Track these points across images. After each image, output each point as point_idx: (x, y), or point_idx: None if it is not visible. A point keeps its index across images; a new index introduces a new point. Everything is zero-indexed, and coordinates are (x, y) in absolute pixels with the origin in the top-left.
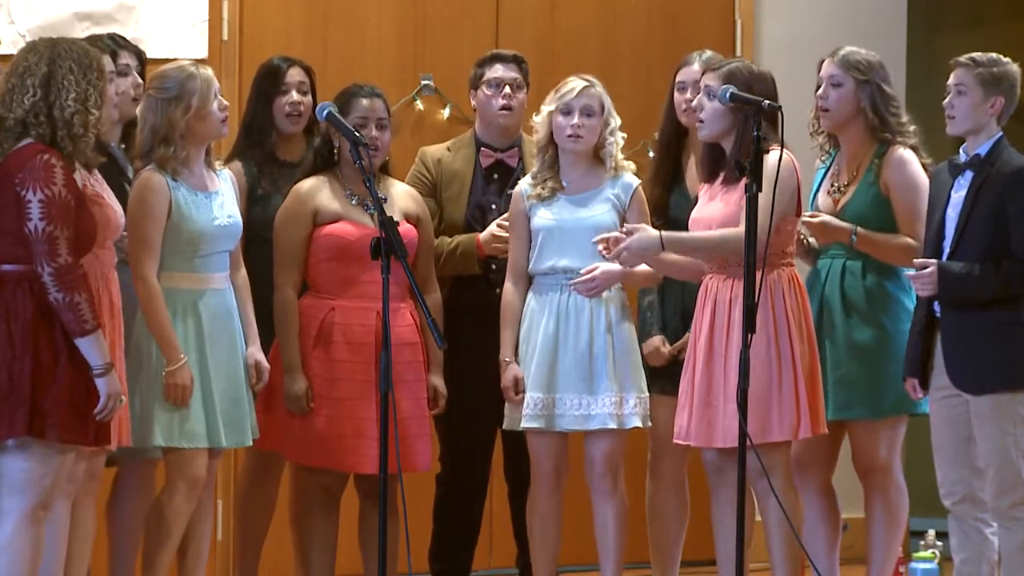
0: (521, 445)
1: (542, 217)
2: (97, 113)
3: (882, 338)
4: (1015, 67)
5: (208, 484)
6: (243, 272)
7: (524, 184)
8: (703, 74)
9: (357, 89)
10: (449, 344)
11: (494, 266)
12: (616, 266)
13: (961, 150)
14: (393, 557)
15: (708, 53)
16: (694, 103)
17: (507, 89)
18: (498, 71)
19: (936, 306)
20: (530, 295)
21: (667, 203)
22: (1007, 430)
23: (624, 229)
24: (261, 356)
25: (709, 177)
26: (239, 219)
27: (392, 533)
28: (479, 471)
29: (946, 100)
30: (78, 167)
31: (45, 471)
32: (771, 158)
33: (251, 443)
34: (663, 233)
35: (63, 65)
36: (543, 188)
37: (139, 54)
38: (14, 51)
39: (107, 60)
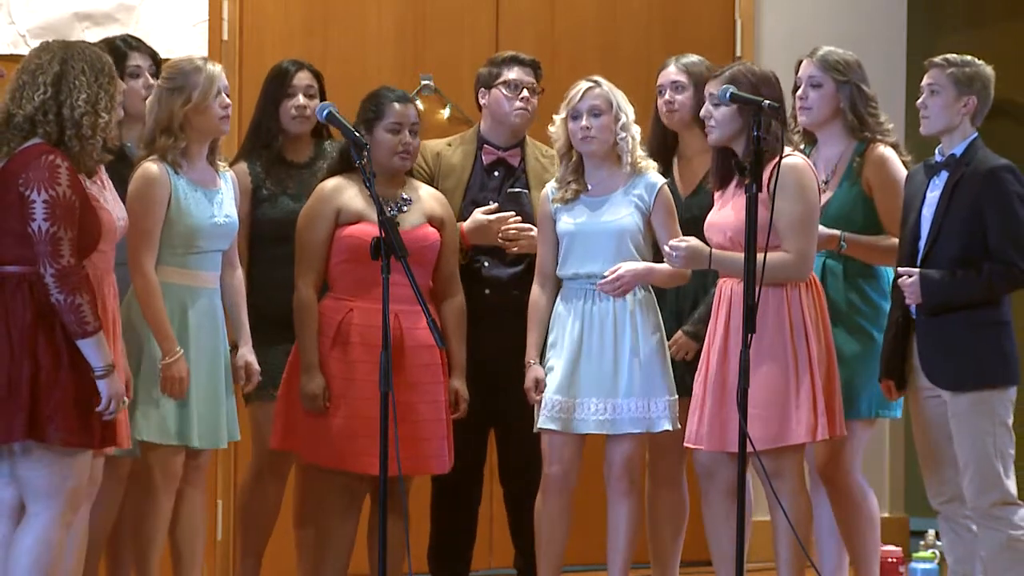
0: (517, 446)
1: (565, 222)
2: (106, 117)
3: (860, 341)
4: (988, 68)
5: (195, 483)
6: (239, 272)
7: (549, 187)
8: (696, 75)
9: (388, 92)
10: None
11: (486, 263)
12: (640, 264)
13: (937, 150)
14: (397, 558)
15: (691, 57)
16: (702, 112)
17: (525, 92)
18: (518, 74)
19: (912, 307)
20: (558, 299)
21: None
22: (986, 429)
23: (678, 243)
24: (252, 357)
25: (721, 183)
26: (236, 219)
27: (397, 534)
28: (472, 471)
29: (919, 100)
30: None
31: (65, 475)
32: (787, 163)
33: (226, 446)
34: (713, 252)
35: (76, 66)
36: (566, 191)
37: (153, 55)
38: (15, 51)
39: None
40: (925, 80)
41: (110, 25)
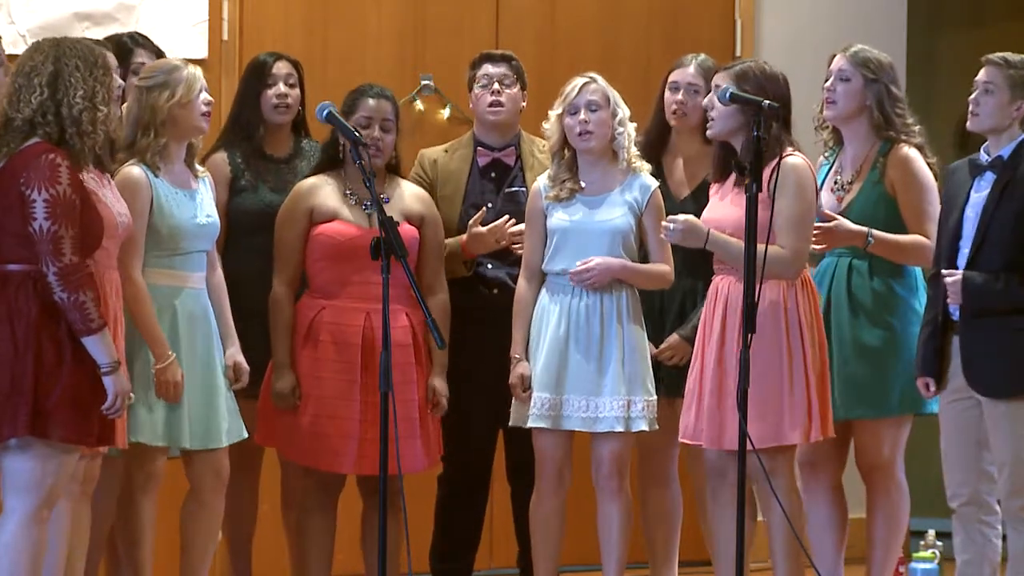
0: (524, 445)
1: (559, 218)
2: (105, 110)
3: (889, 338)
4: None
5: (215, 489)
6: (219, 273)
7: (542, 183)
8: (714, 75)
9: (366, 88)
10: (449, 344)
11: (489, 265)
12: (614, 260)
13: (982, 150)
14: (394, 557)
15: (702, 56)
16: (704, 102)
17: (496, 86)
18: (487, 69)
19: (952, 307)
20: (543, 293)
21: None
22: (1021, 434)
23: (676, 217)
24: (240, 357)
25: (719, 176)
26: (217, 220)
27: (393, 533)
28: (480, 471)
29: (972, 96)
30: (86, 167)
31: (48, 471)
32: (787, 162)
33: (222, 445)
34: (711, 232)
35: (69, 63)
36: (561, 189)
37: (159, 53)
38: (14, 51)
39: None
40: (980, 76)
41: (110, 25)
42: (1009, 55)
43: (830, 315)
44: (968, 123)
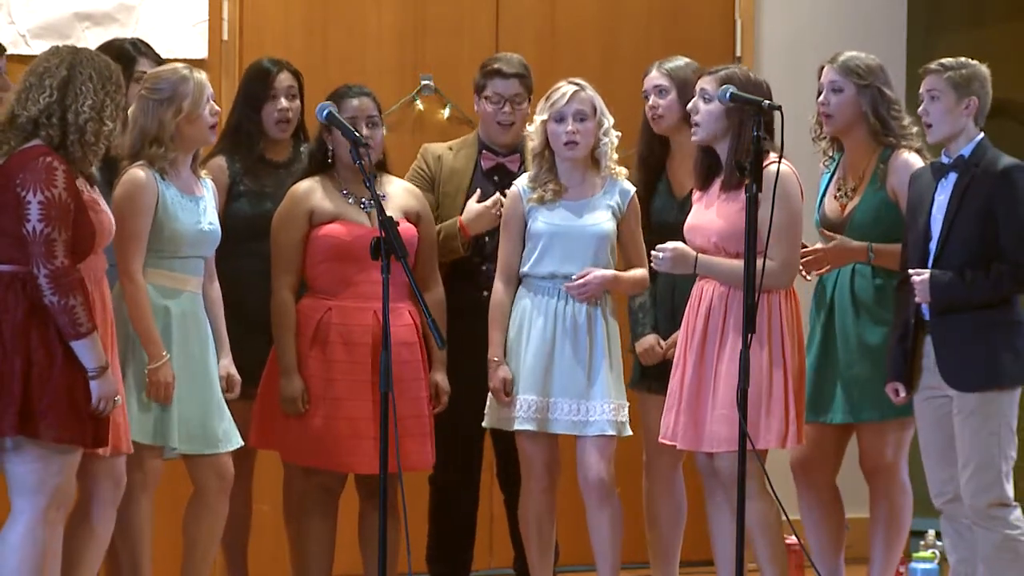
0: (511, 449)
1: (543, 222)
2: (111, 125)
3: (885, 334)
4: (984, 68)
5: (221, 491)
6: (216, 284)
7: (522, 185)
8: (691, 84)
9: (346, 90)
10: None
11: (484, 267)
12: (608, 272)
13: (943, 153)
14: (393, 557)
15: (676, 61)
16: (688, 107)
17: (507, 107)
18: (499, 87)
19: (924, 308)
20: (523, 294)
21: (650, 208)
22: (992, 430)
23: (665, 246)
24: (233, 369)
25: (703, 184)
26: (219, 227)
27: (392, 533)
28: (470, 470)
29: (920, 107)
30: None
31: (51, 472)
32: (772, 170)
33: (220, 450)
34: (699, 257)
35: (83, 72)
36: (544, 191)
37: (159, 61)
38: (14, 51)
39: None
40: (924, 87)
41: (110, 25)
42: (945, 60)
43: (834, 319)
44: (927, 136)
